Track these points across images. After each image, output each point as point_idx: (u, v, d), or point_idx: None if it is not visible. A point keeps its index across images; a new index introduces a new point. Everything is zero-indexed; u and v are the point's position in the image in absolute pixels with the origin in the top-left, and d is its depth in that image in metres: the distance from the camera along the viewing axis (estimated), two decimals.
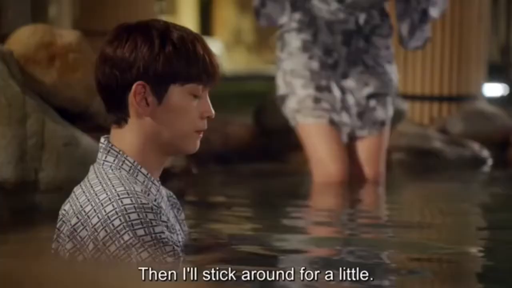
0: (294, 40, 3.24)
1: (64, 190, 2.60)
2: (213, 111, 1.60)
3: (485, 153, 3.99)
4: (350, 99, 3.22)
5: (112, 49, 1.55)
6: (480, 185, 3.62)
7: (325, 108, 3.19)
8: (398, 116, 3.98)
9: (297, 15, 3.23)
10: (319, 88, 3.21)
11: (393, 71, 3.31)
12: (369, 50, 3.23)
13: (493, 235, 2.40)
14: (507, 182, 3.63)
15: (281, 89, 3.30)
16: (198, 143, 1.61)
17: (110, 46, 1.56)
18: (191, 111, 1.57)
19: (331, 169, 3.13)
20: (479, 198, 3.24)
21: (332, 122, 3.19)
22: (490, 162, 3.95)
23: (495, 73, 7.95)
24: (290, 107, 3.26)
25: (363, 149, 3.24)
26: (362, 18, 3.22)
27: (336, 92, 3.21)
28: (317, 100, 3.20)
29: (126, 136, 1.58)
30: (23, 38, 3.00)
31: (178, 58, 1.55)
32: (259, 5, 3.26)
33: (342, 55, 3.21)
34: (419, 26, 3.29)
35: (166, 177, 1.65)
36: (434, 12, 3.31)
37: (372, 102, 3.24)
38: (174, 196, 1.71)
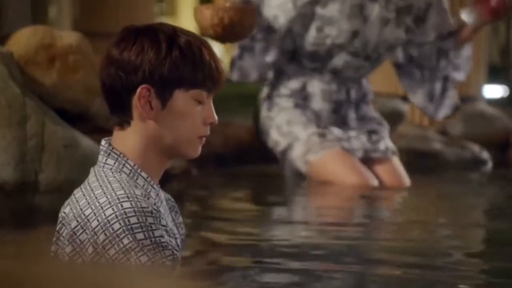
0: (285, 102, 3.24)
1: (64, 191, 2.60)
2: (216, 118, 1.60)
3: (485, 154, 3.99)
4: (353, 133, 3.22)
5: (119, 51, 1.55)
6: (480, 186, 3.62)
7: (333, 139, 3.18)
8: (398, 117, 3.98)
9: (291, 83, 3.20)
10: (320, 126, 3.21)
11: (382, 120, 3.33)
12: (356, 115, 3.25)
13: (492, 236, 2.40)
14: (507, 183, 3.63)
15: (281, 143, 3.25)
16: (199, 148, 1.61)
17: (117, 48, 1.55)
18: (194, 116, 1.57)
19: (354, 181, 3.11)
20: (478, 199, 3.24)
21: (344, 149, 3.18)
22: (490, 163, 3.94)
23: (495, 75, 7.95)
24: (297, 154, 3.20)
25: (384, 168, 3.22)
26: (353, 88, 3.24)
27: (337, 130, 3.22)
28: (322, 135, 3.19)
29: (128, 139, 1.58)
30: (23, 39, 3.00)
31: (184, 63, 1.54)
32: (237, 56, 3.14)
33: (331, 121, 3.22)
34: (444, 94, 3.25)
35: (165, 179, 1.65)
36: (459, 76, 3.28)
37: (375, 137, 3.24)
38: (172, 199, 1.71)
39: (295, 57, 3.19)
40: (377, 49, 3.15)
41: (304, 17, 3.10)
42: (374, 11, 3.08)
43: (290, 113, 3.22)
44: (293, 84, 3.21)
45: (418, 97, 3.26)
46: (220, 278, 1.83)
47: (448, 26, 3.25)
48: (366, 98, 3.28)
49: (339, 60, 3.14)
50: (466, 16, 3.15)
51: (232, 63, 3.17)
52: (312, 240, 2.28)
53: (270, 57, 3.15)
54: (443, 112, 3.26)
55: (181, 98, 1.56)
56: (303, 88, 3.19)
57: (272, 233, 2.41)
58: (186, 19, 12.18)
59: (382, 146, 3.27)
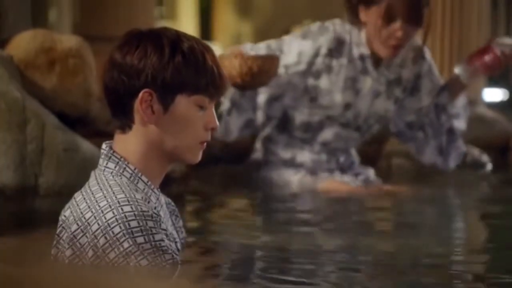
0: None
1: (64, 195, 2.60)
2: (217, 123, 1.60)
3: (485, 157, 3.99)
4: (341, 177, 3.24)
5: (122, 55, 1.55)
6: (480, 189, 3.63)
7: (326, 173, 3.19)
8: None
9: (282, 153, 3.21)
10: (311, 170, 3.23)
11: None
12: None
13: (492, 239, 2.41)
14: (507, 187, 3.64)
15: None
16: (200, 154, 1.61)
17: (120, 51, 1.56)
18: (196, 122, 1.57)
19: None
20: (478, 202, 3.24)
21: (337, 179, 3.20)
22: (490, 166, 3.95)
23: (495, 78, 7.95)
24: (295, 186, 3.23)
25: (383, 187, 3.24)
26: (342, 158, 3.26)
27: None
28: (314, 172, 3.20)
29: (129, 142, 1.58)
30: (23, 43, 3.00)
31: (187, 68, 1.55)
32: (225, 111, 3.10)
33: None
34: (450, 146, 3.26)
35: (166, 182, 1.65)
36: (460, 125, 3.30)
37: (361, 176, 3.26)
38: (172, 203, 1.71)
39: (286, 127, 3.19)
40: (368, 120, 3.18)
41: (295, 88, 3.10)
42: (367, 84, 3.13)
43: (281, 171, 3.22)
44: (284, 154, 3.21)
45: (426, 156, 3.29)
46: (219, 282, 1.83)
47: (440, 85, 3.29)
48: (353, 166, 3.30)
49: (330, 131, 3.15)
50: (460, 71, 3.18)
51: (219, 118, 3.14)
52: (309, 246, 2.28)
53: (258, 119, 3.15)
54: (453, 162, 3.30)
55: (183, 103, 1.56)
56: (293, 158, 3.21)
57: (273, 238, 2.42)
58: (186, 23, 12.19)
59: (371, 177, 3.31)
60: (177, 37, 1.57)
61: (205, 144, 1.60)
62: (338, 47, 3.09)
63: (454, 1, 4.49)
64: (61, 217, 1.59)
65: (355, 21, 3.10)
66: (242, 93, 3.09)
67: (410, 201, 3.11)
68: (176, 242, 1.62)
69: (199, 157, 1.61)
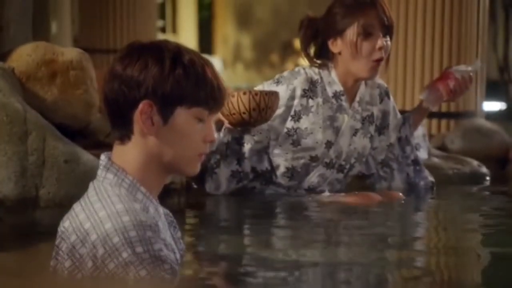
0: None
1: (64, 207, 2.61)
2: (215, 136, 1.62)
3: (484, 169, 4.00)
4: None
5: (123, 66, 1.57)
6: (479, 201, 3.63)
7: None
8: None
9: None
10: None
11: None
12: None
13: (491, 252, 2.41)
14: (506, 199, 3.64)
15: None
16: (199, 166, 1.62)
17: (121, 63, 1.57)
18: (195, 134, 1.59)
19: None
20: (477, 214, 3.24)
21: None
22: (489, 178, 3.95)
23: (493, 91, 7.97)
24: None
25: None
26: None
27: None
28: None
29: (128, 153, 1.59)
30: (25, 55, 3.02)
31: (187, 81, 1.56)
32: (213, 164, 3.10)
33: None
34: (417, 176, 3.29)
35: (165, 193, 1.66)
36: (423, 155, 3.35)
37: None
38: (171, 214, 1.72)
39: (271, 180, 3.20)
40: (349, 159, 3.21)
41: (277, 133, 3.12)
42: (344, 121, 3.18)
43: None
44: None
45: (397, 183, 3.32)
46: None
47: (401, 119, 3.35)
48: None
49: (315, 174, 3.18)
50: (425, 97, 3.27)
51: (209, 172, 3.11)
52: (309, 258, 2.29)
53: (245, 168, 3.17)
54: (422, 193, 3.33)
55: (182, 115, 1.58)
56: None
57: (274, 249, 2.42)
58: (186, 36, 12.22)
59: None
60: (178, 50, 1.58)
61: (203, 156, 1.62)
62: (312, 88, 3.15)
63: (453, 13, 4.51)
64: (60, 228, 1.59)
65: (324, 62, 3.16)
66: (228, 144, 3.12)
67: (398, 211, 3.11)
68: (175, 253, 1.62)
69: (197, 169, 1.62)
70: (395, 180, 3.31)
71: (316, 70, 3.17)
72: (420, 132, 3.39)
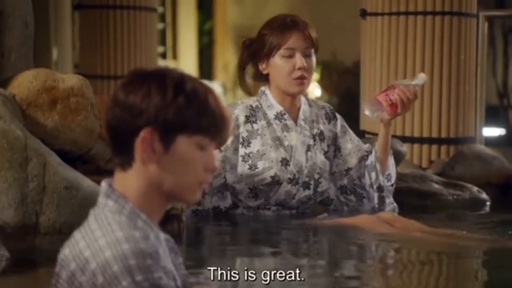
0: None
1: (65, 233, 2.61)
2: (217, 165, 1.62)
3: (484, 195, 4.00)
4: None
5: (125, 93, 1.57)
6: (479, 227, 3.62)
7: None
8: (397, 158, 4.00)
9: None
10: None
11: None
12: None
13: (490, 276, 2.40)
14: (507, 225, 3.63)
15: None
16: (199, 194, 1.62)
17: (124, 90, 1.58)
18: (196, 162, 1.59)
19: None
20: (477, 240, 3.24)
21: None
22: (489, 204, 3.95)
23: (493, 116, 7.98)
24: None
25: None
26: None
27: None
28: None
29: (129, 180, 1.59)
30: (26, 82, 3.03)
31: (189, 109, 1.57)
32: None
33: None
34: (382, 203, 3.31)
35: (165, 219, 1.66)
36: (391, 183, 3.37)
37: None
38: (171, 240, 1.72)
39: (238, 203, 3.23)
40: (311, 175, 3.22)
41: (231, 162, 3.16)
42: (292, 138, 3.22)
43: None
44: None
45: (366, 207, 3.34)
46: None
47: (365, 145, 3.36)
48: None
49: (282, 191, 3.19)
50: (367, 109, 3.25)
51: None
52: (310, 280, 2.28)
53: (205, 206, 3.19)
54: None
55: (184, 143, 1.58)
56: None
57: (280, 269, 2.41)
58: (186, 63, 12.26)
59: None
60: (181, 78, 1.59)
61: (204, 184, 1.62)
62: (253, 113, 3.23)
63: (452, 39, 4.53)
64: (60, 256, 1.59)
65: (260, 89, 3.25)
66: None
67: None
68: (175, 280, 1.62)
69: (198, 196, 1.62)
70: (363, 206, 3.33)
71: (254, 98, 3.27)
72: (390, 161, 3.37)
